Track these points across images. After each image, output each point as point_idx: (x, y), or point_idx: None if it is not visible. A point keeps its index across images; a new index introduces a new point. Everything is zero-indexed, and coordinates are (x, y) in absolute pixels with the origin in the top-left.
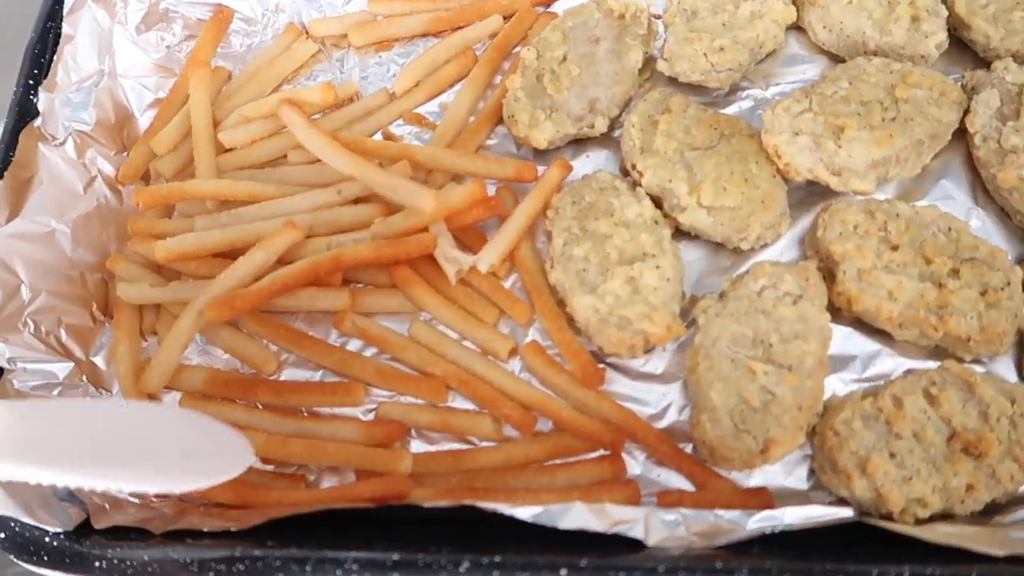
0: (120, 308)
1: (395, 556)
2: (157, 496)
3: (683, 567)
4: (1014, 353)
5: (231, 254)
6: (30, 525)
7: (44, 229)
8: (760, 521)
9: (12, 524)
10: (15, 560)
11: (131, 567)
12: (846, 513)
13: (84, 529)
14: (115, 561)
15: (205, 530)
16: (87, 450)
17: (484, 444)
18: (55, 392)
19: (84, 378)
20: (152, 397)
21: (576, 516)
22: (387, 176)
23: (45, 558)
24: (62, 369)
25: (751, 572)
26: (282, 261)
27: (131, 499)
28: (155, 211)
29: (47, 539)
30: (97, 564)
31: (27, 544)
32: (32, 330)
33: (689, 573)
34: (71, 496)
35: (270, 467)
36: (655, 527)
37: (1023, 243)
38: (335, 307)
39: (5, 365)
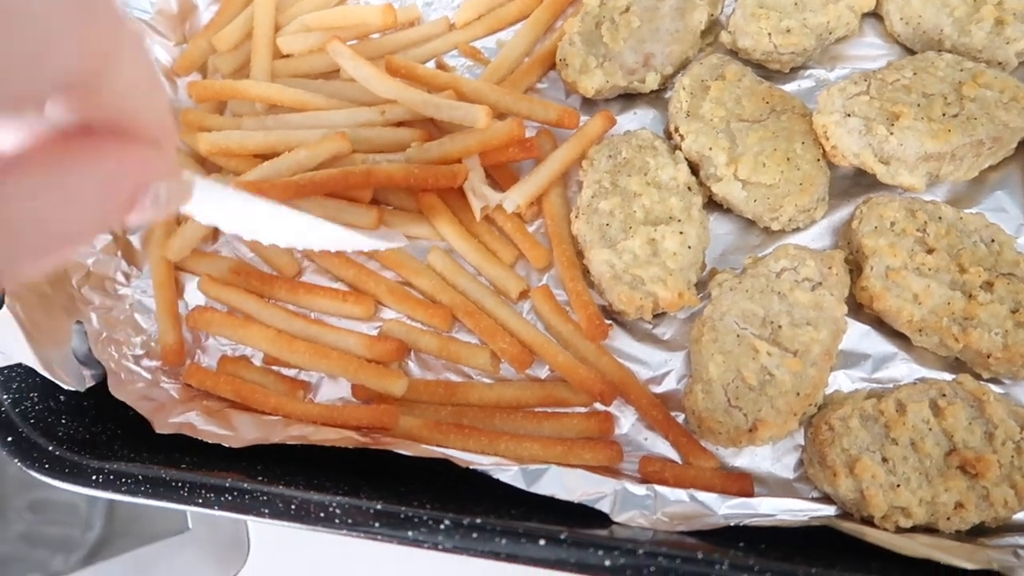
0: None
1: (378, 506)
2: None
3: (663, 552)
4: None
5: (270, 156)
6: (32, 438)
7: None
8: (734, 507)
9: (20, 431)
10: (22, 468)
11: (125, 483)
12: (826, 511)
13: (97, 394)
14: (111, 476)
15: (201, 438)
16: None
17: (480, 381)
18: (89, 261)
19: (118, 253)
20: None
21: (548, 482)
22: (435, 97)
23: (46, 466)
24: (100, 240)
25: (732, 567)
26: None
27: (144, 374)
28: (207, 106)
29: (50, 447)
30: (94, 478)
31: (31, 451)
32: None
33: (668, 559)
34: (89, 359)
35: (273, 368)
36: (623, 502)
37: None
38: (363, 223)
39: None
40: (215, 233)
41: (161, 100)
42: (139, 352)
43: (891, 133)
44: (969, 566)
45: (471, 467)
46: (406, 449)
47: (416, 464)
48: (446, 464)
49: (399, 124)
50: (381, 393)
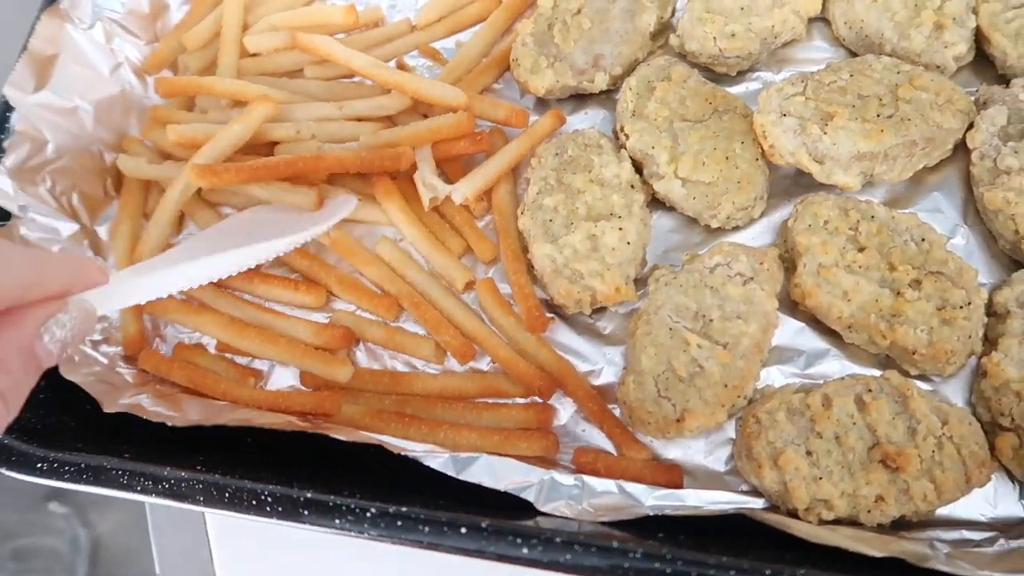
0: (128, 188)
1: (308, 494)
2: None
3: (580, 541)
4: (966, 379)
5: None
6: None
7: (68, 104)
8: (661, 499)
9: None
10: None
11: (68, 471)
12: (754, 504)
13: (55, 387)
14: (55, 464)
15: (147, 417)
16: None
17: (424, 372)
18: (55, 247)
19: (86, 243)
20: None
21: (477, 470)
22: (413, 76)
23: None
24: (67, 228)
25: (644, 555)
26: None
27: (100, 359)
28: (177, 103)
29: None
30: (39, 466)
31: None
32: (49, 187)
33: (584, 548)
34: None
35: (226, 355)
36: (550, 492)
37: (1006, 269)
38: (303, 204)
39: (16, 212)
40: (179, 226)
41: None
42: (98, 338)
43: (825, 133)
44: (876, 553)
45: (403, 453)
46: (342, 434)
47: (354, 456)
48: (384, 456)
49: (358, 120)
50: (328, 381)
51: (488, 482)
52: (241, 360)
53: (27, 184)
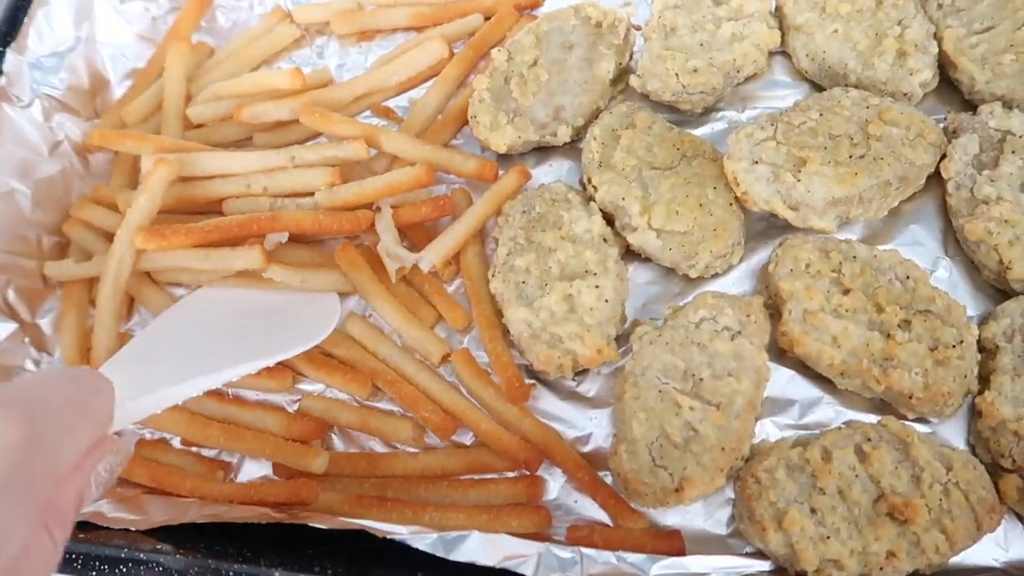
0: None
1: (276, 573)
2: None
3: None
4: (966, 417)
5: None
6: None
7: (3, 188)
8: (665, 568)
9: None
10: None
11: None
12: (760, 567)
13: None
14: None
15: (108, 525)
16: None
17: (403, 451)
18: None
19: (26, 339)
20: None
21: (469, 548)
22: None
23: None
24: (4, 329)
25: None
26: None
27: None
28: (120, 180)
29: None
30: None
31: None
32: None
33: None
34: None
35: (192, 449)
36: (547, 565)
37: (991, 299)
38: (250, 266)
39: None
40: (128, 312)
41: None
42: None
43: (798, 180)
44: None
45: (388, 536)
46: (322, 522)
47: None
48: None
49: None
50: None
51: (482, 560)
52: (209, 452)
53: None
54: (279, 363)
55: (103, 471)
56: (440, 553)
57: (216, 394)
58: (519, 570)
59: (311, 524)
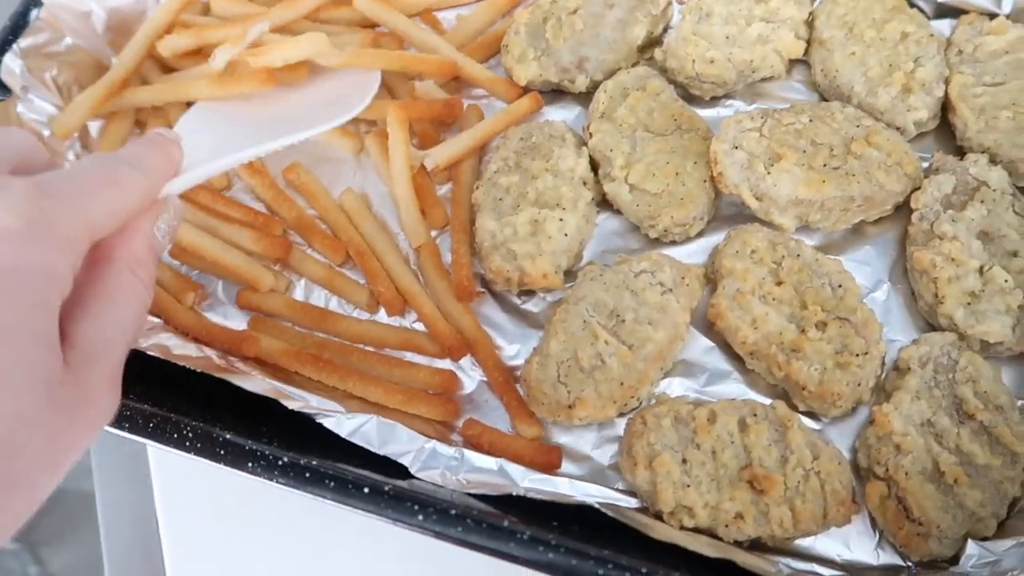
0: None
1: (227, 435)
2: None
3: (473, 516)
4: (855, 429)
5: None
6: None
7: (83, 8)
8: (535, 482)
9: None
10: None
11: None
12: (625, 502)
13: None
14: None
15: None
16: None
17: (351, 316)
18: (45, 133)
19: (76, 133)
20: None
21: (365, 431)
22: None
23: None
24: None
25: (531, 539)
26: None
27: None
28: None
29: None
30: None
31: None
32: (54, 74)
33: (476, 524)
34: None
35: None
36: (427, 460)
37: (919, 330)
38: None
39: (17, 91)
40: None
41: None
42: None
43: (768, 173)
44: (712, 553)
45: (297, 408)
46: (245, 381)
47: (279, 406)
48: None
49: None
50: (261, 308)
51: (373, 445)
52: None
53: (35, 67)
54: (275, 213)
55: (164, 225)
56: (341, 432)
57: (205, 208)
58: (400, 460)
59: (235, 382)
